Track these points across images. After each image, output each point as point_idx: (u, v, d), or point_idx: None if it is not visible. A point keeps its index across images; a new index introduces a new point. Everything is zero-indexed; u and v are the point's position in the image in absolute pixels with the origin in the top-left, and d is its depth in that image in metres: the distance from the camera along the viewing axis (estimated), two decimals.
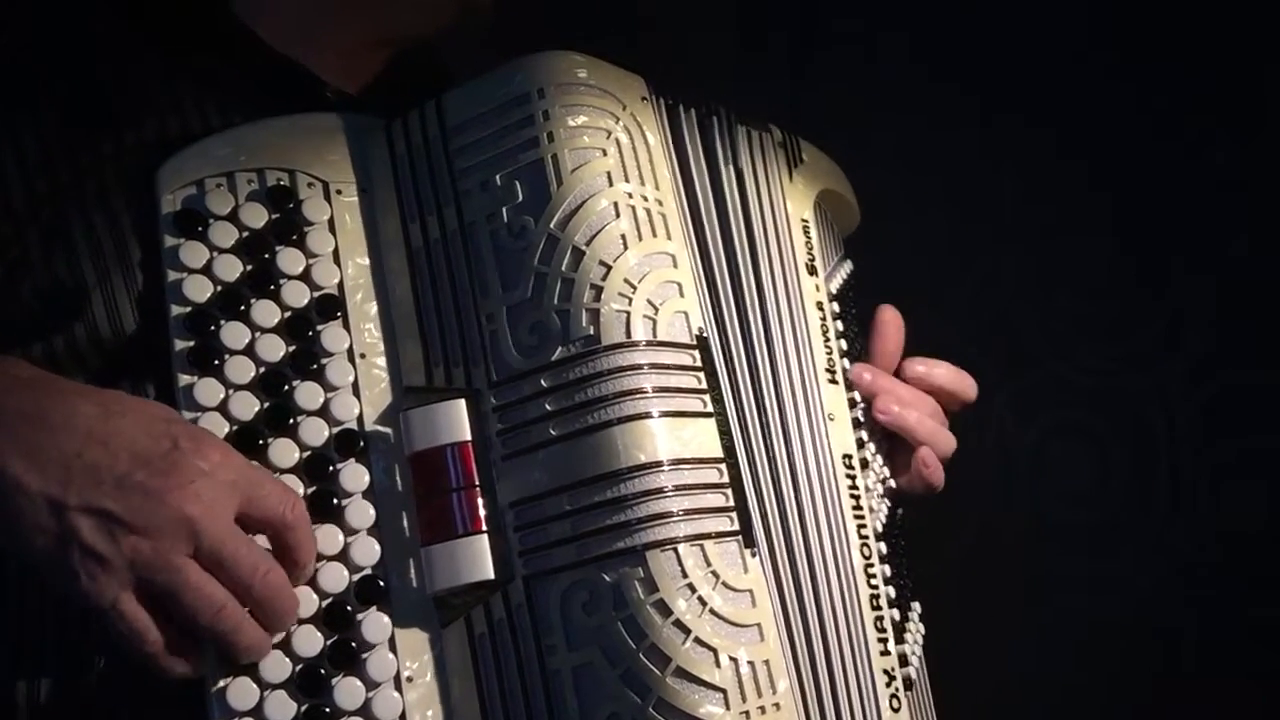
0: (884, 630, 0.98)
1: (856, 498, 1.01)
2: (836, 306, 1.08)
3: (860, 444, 1.04)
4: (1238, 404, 1.74)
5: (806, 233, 1.07)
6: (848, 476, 1.01)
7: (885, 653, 0.98)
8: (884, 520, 1.04)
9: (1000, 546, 1.79)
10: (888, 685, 0.97)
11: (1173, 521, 1.77)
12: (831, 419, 1.02)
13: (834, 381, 1.04)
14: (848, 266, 1.15)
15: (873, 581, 0.99)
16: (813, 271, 1.06)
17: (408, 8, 1.10)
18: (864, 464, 1.03)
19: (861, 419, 1.06)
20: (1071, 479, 1.82)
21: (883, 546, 1.01)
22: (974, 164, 1.80)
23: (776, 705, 0.89)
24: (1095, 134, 1.79)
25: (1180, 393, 1.77)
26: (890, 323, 1.12)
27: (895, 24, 1.83)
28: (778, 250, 1.03)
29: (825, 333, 1.05)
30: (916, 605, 1.07)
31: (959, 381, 1.12)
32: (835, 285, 1.10)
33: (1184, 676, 1.74)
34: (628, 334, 0.92)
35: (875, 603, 0.99)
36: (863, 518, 1.01)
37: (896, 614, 1.00)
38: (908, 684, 0.99)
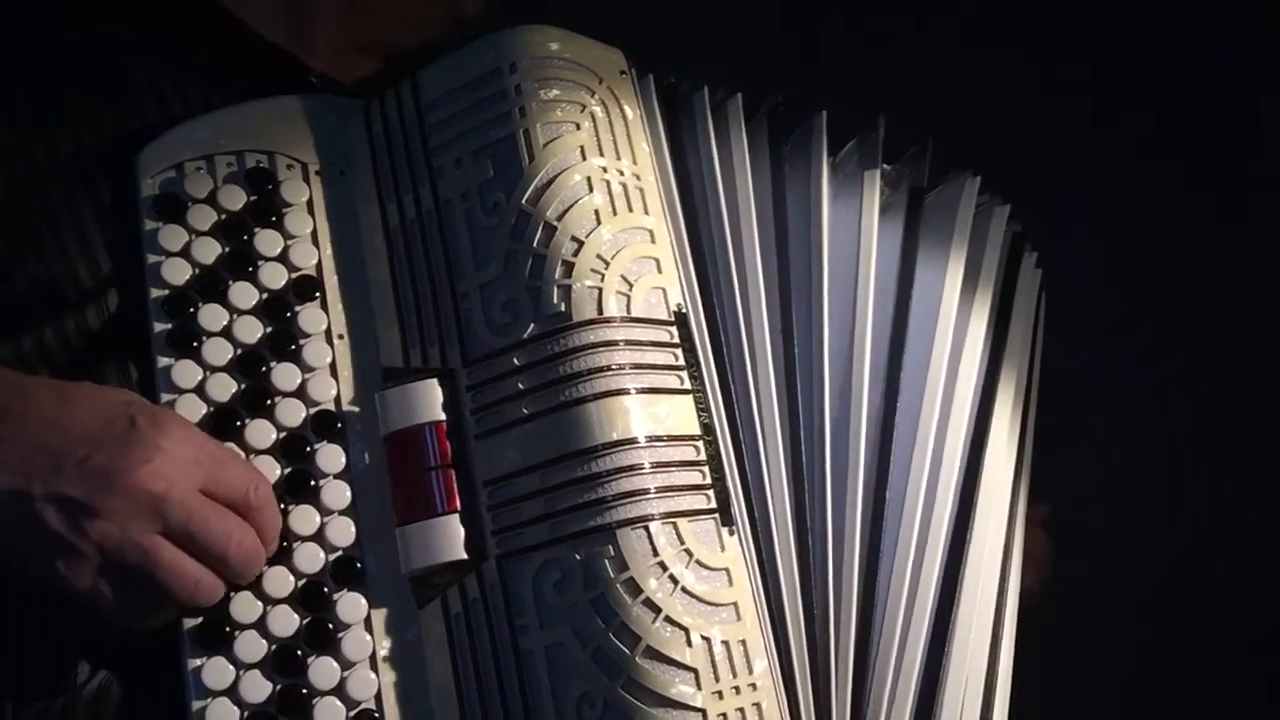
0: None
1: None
2: None
3: None
4: (1238, 404, 1.70)
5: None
6: None
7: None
8: None
9: None
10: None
11: (1173, 521, 1.74)
12: None
13: None
14: None
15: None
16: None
17: (392, 20, 1.09)
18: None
19: None
20: (1071, 480, 1.78)
21: None
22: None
23: (753, 685, 0.87)
24: (1097, 134, 1.75)
25: (1180, 393, 1.73)
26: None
27: (901, 10, 1.80)
28: None
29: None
30: None
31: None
32: None
33: (1184, 677, 1.70)
34: (599, 310, 0.91)
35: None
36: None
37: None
38: None
